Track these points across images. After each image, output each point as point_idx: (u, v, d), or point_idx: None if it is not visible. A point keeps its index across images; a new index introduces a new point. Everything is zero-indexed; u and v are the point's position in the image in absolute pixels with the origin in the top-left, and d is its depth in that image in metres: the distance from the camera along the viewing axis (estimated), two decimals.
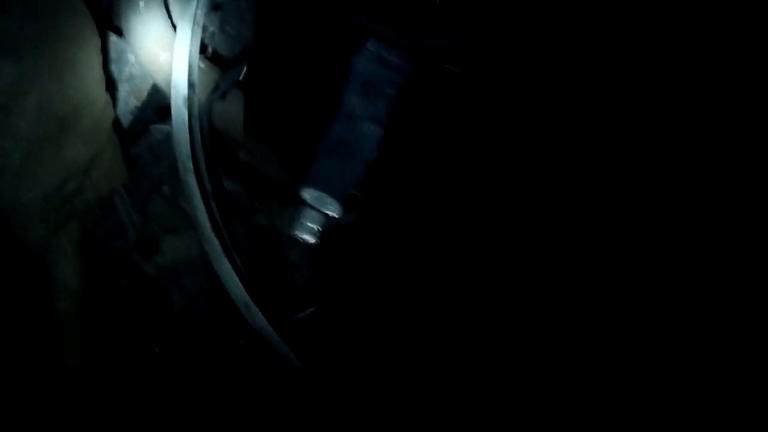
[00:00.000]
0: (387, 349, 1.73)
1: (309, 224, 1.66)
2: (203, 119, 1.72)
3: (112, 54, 1.73)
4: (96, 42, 1.65)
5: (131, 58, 1.75)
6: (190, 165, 1.64)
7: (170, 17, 1.73)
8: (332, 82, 1.67)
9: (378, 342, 1.73)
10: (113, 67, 1.74)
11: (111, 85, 1.72)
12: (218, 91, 1.75)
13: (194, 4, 1.63)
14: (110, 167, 1.71)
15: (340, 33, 1.68)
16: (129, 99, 1.77)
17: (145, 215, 1.79)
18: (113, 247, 1.76)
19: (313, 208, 1.66)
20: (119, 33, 1.75)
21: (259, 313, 1.68)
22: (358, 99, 1.65)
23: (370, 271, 1.75)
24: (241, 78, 1.77)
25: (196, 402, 1.73)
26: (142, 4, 1.73)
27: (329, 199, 1.64)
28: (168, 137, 1.69)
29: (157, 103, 1.79)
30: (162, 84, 1.76)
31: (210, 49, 1.78)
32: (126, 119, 1.77)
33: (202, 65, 1.73)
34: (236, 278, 1.68)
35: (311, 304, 1.75)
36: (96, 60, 1.66)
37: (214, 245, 1.67)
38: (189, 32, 1.62)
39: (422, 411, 1.67)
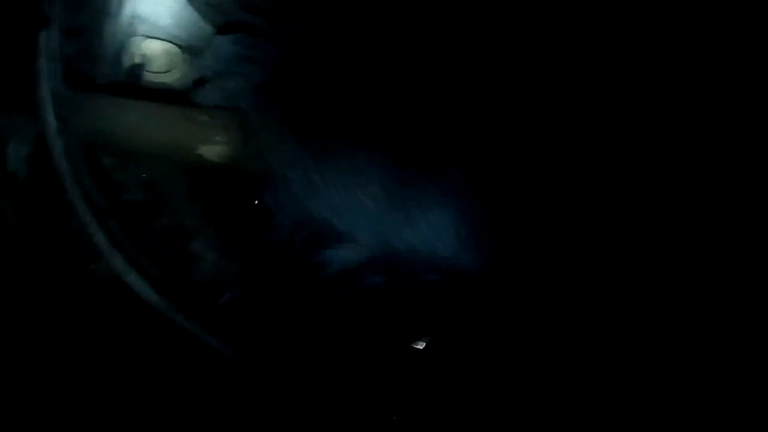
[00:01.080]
0: (310, 315, 1.79)
1: None
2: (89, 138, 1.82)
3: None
4: None
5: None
6: (78, 191, 1.74)
7: None
8: None
9: (302, 310, 1.79)
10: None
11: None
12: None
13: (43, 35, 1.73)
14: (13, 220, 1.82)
15: None
16: (20, 148, 1.88)
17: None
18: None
19: None
20: None
21: (179, 314, 1.77)
22: None
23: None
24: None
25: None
26: None
27: None
28: None
29: None
30: None
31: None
32: (22, 169, 1.87)
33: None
34: (147, 286, 1.77)
35: (225, 288, 1.82)
36: None
37: (118, 261, 1.76)
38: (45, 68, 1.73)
39: (355, 374, 1.72)
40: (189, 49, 1.87)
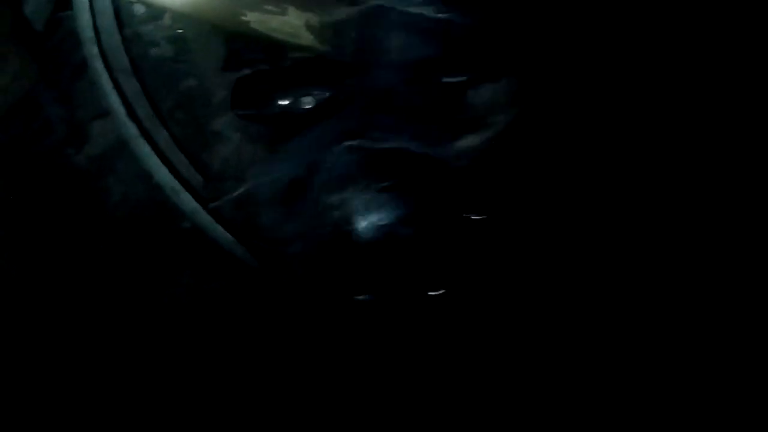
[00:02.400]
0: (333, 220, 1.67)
1: None
2: None
3: None
4: None
5: None
6: (96, 50, 1.61)
7: None
8: None
9: (323, 215, 1.68)
10: None
11: None
12: None
13: None
14: (19, 69, 1.69)
15: None
16: None
17: (70, 105, 1.75)
18: (42, 147, 1.75)
19: None
20: None
21: (189, 197, 1.66)
22: None
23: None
24: None
25: (139, 296, 1.72)
26: None
27: None
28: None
29: None
30: None
31: None
32: (39, 14, 1.73)
33: None
34: (158, 161, 1.65)
35: (244, 177, 1.69)
36: None
37: (130, 130, 1.64)
38: None
39: (369, 284, 1.64)
40: None
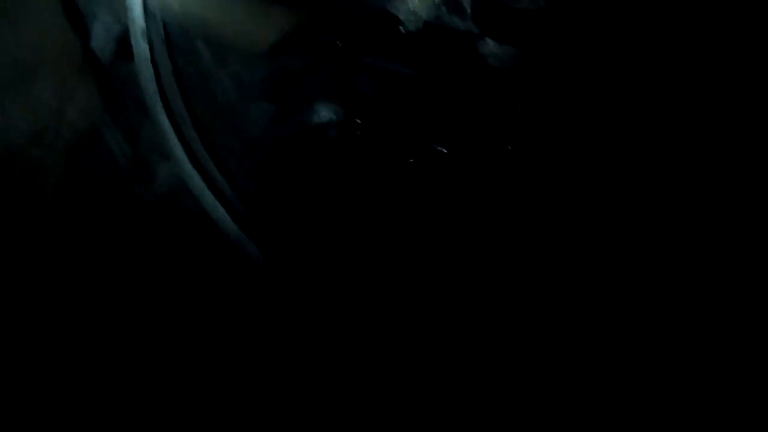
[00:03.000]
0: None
1: None
2: (176, 34, 1.61)
3: None
4: None
5: None
6: (159, 102, 1.57)
7: None
8: None
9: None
10: None
11: (79, 19, 1.63)
12: None
13: None
14: (87, 103, 1.66)
15: None
16: (110, 27, 1.68)
17: (135, 144, 1.73)
18: (107, 180, 1.74)
19: None
20: None
21: (256, 249, 1.65)
22: None
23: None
24: None
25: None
26: None
27: None
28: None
29: None
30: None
31: None
32: (108, 48, 1.68)
33: None
34: (224, 211, 1.64)
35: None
36: None
37: (196, 181, 1.62)
38: None
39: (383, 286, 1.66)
40: None
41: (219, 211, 1.63)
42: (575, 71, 1.50)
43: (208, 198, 1.63)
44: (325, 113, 1.49)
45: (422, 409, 1.63)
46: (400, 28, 1.50)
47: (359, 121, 1.54)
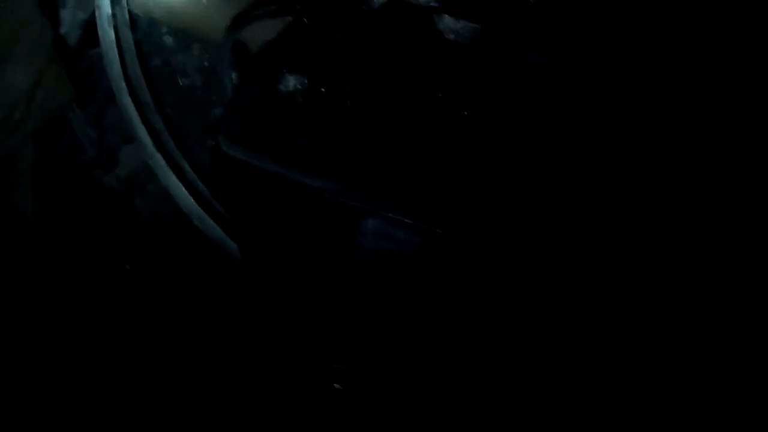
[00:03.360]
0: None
1: None
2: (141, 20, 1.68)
3: None
4: None
5: None
6: (123, 85, 1.63)
7: None
8: None
9: None
10: None
11: (51, 6, 1.70)
12: None
13: None
14: (55, 86, 1.72)
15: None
16: (76, 13, 1.75)
17: (100, 128, 1.80)
18: (72, 166, 1.80)
19: None
20: None
21: (216, 227, 1.71)
22: None
23: None
24: None
25: (168, 314, 1.80)
26: None
27: None
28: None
29: None
30: None
31: None
32: (74, 34, 1.75)
33: None
34: (185, 192, 1.70)
35: None
36: None
37: (159, 161, 1.68)
38: None
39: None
40: None
41: (181, 191, 1.69)
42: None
43: (171, 178, 1.69)
44: (292, 82, 1.51)
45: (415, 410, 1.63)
46: (363, 6, 1.54)
47: (323, 90, 1.56)
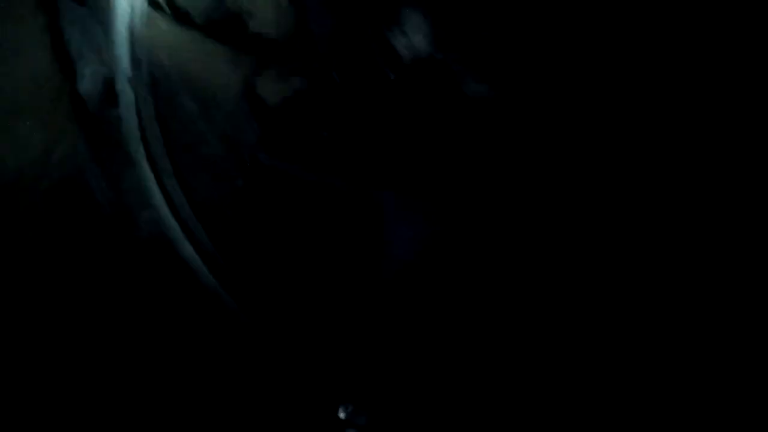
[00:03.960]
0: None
1: None
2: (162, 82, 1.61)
3: (70, 27, 1.64)
4: (40, 20, 1.57)
5: (97, 28, 1.65)
6: (142, 150, 1.56)
7: None
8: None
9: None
10: (73, 42, 1.65)
11: (68, 62, 1.64)
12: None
13: None
14: (73, 146, 1.66)
15: None
16: (96, 69, 1.68)
17: (118, 191, 1.73)
18: (87, 225, 1.73)
19: None
20: (80, 2, 1.64)
21: (231, 300, 1.63)
22: None
23: None
24: None
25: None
26: None
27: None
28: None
29: None
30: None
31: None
32: (94, 92, 1.69)
33: (163, 24, 1.59)
34: (200, 262, 1.62)
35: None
36: (42, 38, 1.57)
37: (175, 230, 1.61)
38: None
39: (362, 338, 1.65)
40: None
41: (197, 262, 1.61)
42: None
43: (187, 249, 1.61)
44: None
45: None
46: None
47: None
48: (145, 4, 1.56)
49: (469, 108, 1.54)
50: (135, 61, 1.54)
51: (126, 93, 1.55)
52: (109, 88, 1.63)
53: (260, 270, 1.66)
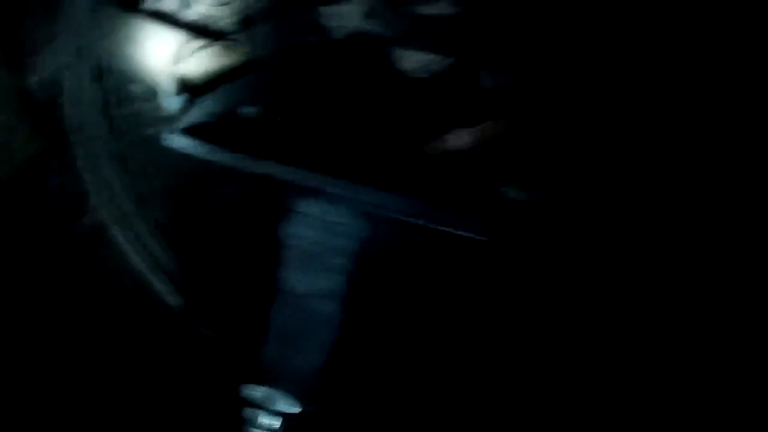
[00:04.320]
0: None
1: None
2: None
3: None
4: None
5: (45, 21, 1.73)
6: (86, 136, 1.61)
7: None
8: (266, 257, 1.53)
9: None
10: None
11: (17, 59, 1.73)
12: None
13: None
14: (25, 138, 1.73)
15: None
16: (43, 61, 1.74)
17: (68, 177, 1.78)
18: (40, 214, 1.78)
19: (263, 408, 1.49)
20: None
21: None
22: (297, 275, 1.48)
23: None
24: None
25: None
26: None
27: (281, 396, 1.49)
28: None
29: None
30: None
31: None
32: (41, 85, 1.75)
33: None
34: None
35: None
36: None
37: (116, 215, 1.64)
38: None
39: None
40: None
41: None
42: None
43: (140, 226, 1.65)
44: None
45: None
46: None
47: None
48: None
49: (406, 84, 1.57)
50: (82, 55, 1.61)
51: (72, 83, 1.61)
52: (56, 79, 1.70)
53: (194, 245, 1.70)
